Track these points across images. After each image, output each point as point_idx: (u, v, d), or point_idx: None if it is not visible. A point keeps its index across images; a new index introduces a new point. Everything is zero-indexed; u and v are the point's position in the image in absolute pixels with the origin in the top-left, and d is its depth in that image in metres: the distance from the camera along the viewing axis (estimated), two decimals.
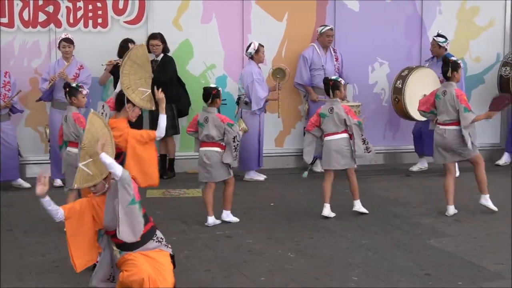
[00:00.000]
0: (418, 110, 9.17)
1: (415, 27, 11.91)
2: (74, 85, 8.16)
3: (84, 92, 8.09)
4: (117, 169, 5.45)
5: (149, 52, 10.18)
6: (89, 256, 5.73)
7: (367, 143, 8.71)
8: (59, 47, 10.08)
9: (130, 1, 10.76)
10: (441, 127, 8.79)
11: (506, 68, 11.43)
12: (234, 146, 8.29)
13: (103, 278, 5.88)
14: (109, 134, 5.79)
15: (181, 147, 11.00)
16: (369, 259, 7.22)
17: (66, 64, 10.03)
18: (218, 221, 8.43)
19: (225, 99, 11.11)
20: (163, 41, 10.56)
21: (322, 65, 11.14)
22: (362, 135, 8.70)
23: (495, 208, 8.87)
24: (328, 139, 8.73)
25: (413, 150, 11.62)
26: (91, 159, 5.62)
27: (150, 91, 7.36)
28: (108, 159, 5.45)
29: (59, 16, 10.57)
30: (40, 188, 5.42)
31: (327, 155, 8.73)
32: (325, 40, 11.12)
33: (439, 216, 8.79)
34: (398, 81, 10.94)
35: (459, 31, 12.07)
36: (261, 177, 10.80)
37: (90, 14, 10.67)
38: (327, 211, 8.69)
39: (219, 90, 8.48)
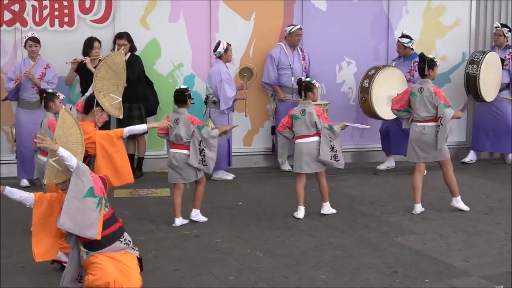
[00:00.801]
0: (392, 109, 9.17)
1: (382, 26, 11.95)
2: (50, 90, 8.12)
3: (61, 97, 8.06)
4: (73, 161, 5.49)
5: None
6: (52, 248, 5.70)
7: (336, 151, 8.63)
8: (25, 46, 9.98)
9: (96, 0, 10.68)
10: (419, 124, 8.81)
11: (473, 66, 11.50)
12: (199, 149, 8.24)
13: (72, 279, 5.83)
14: (80, 132, 5.76)
15: (149, 147, 10.93)
16: (337, 258, 7.23)
17: (32, 63, 9.94)
18: (186, 221, 8.40)
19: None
20: (130, 40, 10.49)
21: (290, 64, 11.15)
22: (331, 142, 8.61)
23: (467, 208, 8.93)
24: (299, 141, 8.69)
25: (381, 149, 11.68)
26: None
27: (120, 99, 7.36)
28: (65, 152, 5.49)
29: (25, 15, 10.46)
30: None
31: (298, 158, 8.69)
32: (294, 39, 11.12)
33: (406, 214, 8.83)
34: (365, 81, 10.98)
35: (425, 31, 12.13)
36: (230, 176, 10.78)
37: (57, 13, 10.57)
38: (301, 213, 8.67)
39: (189, 90, 8.47)
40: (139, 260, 5.77)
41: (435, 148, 8.75)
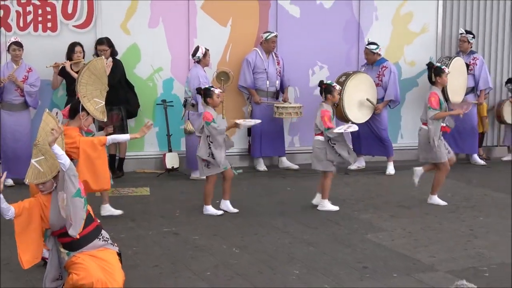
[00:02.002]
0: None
1: (353, 32, 12.00)
2: None
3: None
4: (66, 160, 5.42)
5: (98, 56, 10.13)
6: (36, 253, 5.66)
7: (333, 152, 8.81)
8: (8, 50, 9.93)
9: (79, 6, 10.64)
10: (422, 126, 9.15)
11: None
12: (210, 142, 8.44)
13: (53, 279, 5.82)
14: (61, 136, 5.73)
15: (129, 147, 10.89)
16: (310, 254, 7.26)
17: (15, 67, 9.90)
18: (220, 212, 8.67)
19: (172, 101, 11.10)
20: (110, 45, 10.46)
21: (265, 69, 11.17)
22: (329, 141, 8.74)
23: (443, 203, 9.13)
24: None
25: (352, 150, 11.70)
26: (43, 157, 5.56)
27: (104, 103, 7.37)
28: (59, 150, 5.41)
29: (9, 20, 10.39)
30: None
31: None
32: (269, 46, 11.15)
33: (376, 212, 8.89)
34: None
35: (394, 37, 12.20)
36: None
37: (40, 19, 10.51)
38: (316, 200, 8.98)
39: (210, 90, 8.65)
40: (119, 255, 5.77)
41: (427, 150, 8.99)
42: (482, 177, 10.88)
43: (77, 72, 9.87)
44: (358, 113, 10.94)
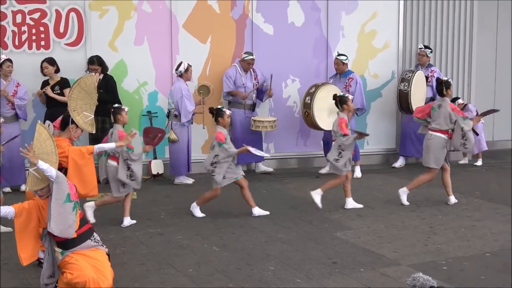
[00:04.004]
0: (414, 116, 9.63)
1: (322, 48, 12.04)
2: (117, 105, 8.35)
3: (126, 109, 8.35)
4: (52, 171, 5.47)
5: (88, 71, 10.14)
6: (34, 251, 5.67)
7: (339, 157, 8.82)
8: (1, 66, 9.85)
9: (70, 26, 10.59)
10: (430, 132, 9.18)
11: (404, 84, 11.65)
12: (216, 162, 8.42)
13: (48, 276, 5.80)
14: (53, 144, 5.74)
15: None
16: (284, 251, 7.26)
17: (5, 83, 9.84)
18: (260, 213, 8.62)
19: (156, 112, 11.07)
20: (101, 63, 10.43)
21: (243, 84, 11.16)
22: (340, 146, 8.78)
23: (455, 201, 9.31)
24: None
25: (322, 155, 11.74)
26: None
27: (93, 116, 7.37)
28: (44, 165, 5.47)
29: (5, 39, 10.33)
30: None
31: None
32: (246, 66, 11.12)
33: (344, 212, 8.90)
34: (307, 98, 11.04)
35: (360, 52, 12.25)
36: (190, 181, 10.75)
37: (34, 37, 10.45)
38: (350, 204, 9.04)
39: (222, 110, 8.59)
40: (108, 255, 5.77)
41: (439, 155, 9.11)
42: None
43: (58, 93, 9.95)
44: (327, 121, 10.95)
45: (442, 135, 9.08)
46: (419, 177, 9.30)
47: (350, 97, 9.11)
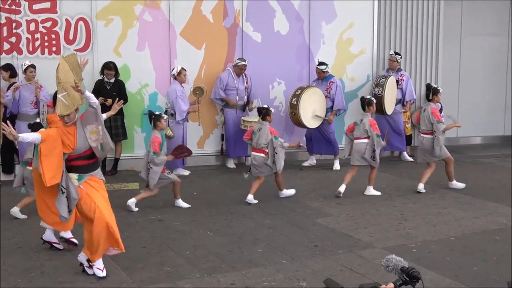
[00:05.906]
0: (415, 122, 9.89)
1: (304, 54, 12.04)
2: (157, 112, 8.32)
3: (165, 117, 8.38)
4: (95, 99, 5.75)
5: (103, 75, 10.31)
6: (57, 174, 5.56)
7: (374, 153, 8.97)
8: (25, 71, 9.77)
9: (78, 34, 10.54)
10: (421, 135, 9.36)
11: (378, 89, 11.64)
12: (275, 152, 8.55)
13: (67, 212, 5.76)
14: (74, 76, 5.74)
15: (122, 150, 10.81)
16: (270, 235, 7.27)
17: (29, 84, 9.81)
18: (255, 201, 8.64)
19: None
20: (116, 69, 10.45)
21: (235, 87, 11.14)
22: (374, 145, 8.93)
23: (462, 185, 9.53)
24: (355, 142, 9.08)
25: (306, 150, 11.76)
26: (65, 92, 5.59)
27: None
28: (88, 93, 5.73)
29: (20, 45, 10.26)
30: (13, 135, 5.40)
31: (353, 154, 9.09)
32: (238, 71, 11.10)
33: (324, 200, 8.91)
34: (294, 99, 11.04)
35: (338, 57, 12.26)
36: (186, 173, 10.73)
37: (46, 44, 10.39)
38: (342, 188, 9.07)
39: (269, 110, 8.77)
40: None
41: (432, 152, 9.21)
42: (410, 171, 10.97)
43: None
44: (311, 120, 10.99)
45: (429, 136, 9.24)
46: (446, 170, 9.51)
47: (375, 100, 9.27)
